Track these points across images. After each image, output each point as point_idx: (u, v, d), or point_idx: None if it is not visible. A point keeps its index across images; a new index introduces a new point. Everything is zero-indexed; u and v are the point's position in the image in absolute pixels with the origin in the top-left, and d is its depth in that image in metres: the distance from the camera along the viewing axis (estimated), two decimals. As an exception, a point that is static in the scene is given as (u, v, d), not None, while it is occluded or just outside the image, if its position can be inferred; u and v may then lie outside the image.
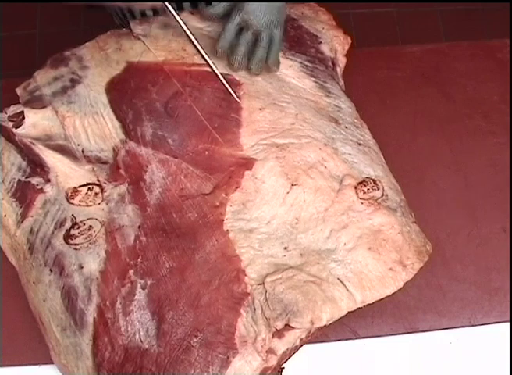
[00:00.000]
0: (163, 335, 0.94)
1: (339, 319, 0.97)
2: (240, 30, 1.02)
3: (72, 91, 1.10)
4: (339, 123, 1.12)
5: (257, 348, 0.93)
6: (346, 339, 1.08)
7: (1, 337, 1.08)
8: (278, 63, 1.05)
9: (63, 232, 1.03)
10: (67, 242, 1.02)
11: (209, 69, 1.09)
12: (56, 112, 1.08)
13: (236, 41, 1.03)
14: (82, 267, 1.00)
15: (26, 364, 1.07)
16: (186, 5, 1.31)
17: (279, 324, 0.93)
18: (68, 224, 1.03)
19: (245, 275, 0.97)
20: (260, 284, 0.96)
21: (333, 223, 1.03)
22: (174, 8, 0.93)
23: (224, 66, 1.11)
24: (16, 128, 1.08)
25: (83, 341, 0.97)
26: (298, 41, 1.19)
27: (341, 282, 0.97)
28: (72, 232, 1.03)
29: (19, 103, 1.11)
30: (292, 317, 0.93)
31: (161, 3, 0.94)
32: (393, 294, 1.00)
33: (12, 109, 1.10)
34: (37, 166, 1.08)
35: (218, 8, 1.02)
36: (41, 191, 1.07)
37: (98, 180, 1.07)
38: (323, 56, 1.20)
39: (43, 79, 1.12)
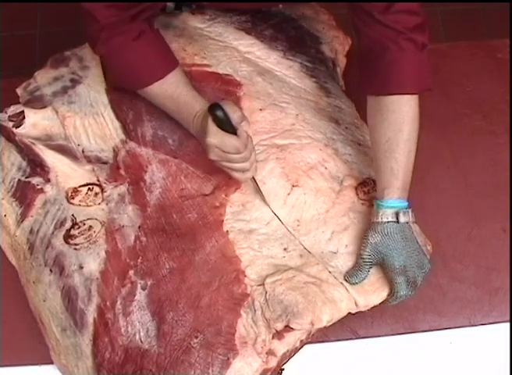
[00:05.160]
0: (163, 336, 0.94)
1: (339, 320, 0.97)
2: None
3: (72, 91, 1.10)
4: (340, 123, 1.12)
5: (258, 349, 0.93)
6: (346, 339, 1.08)
7: (1, 337, 1.08)
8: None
9: (63, 232, 1.03)
10: (67, 242, 1.02)
11: (209, 70, 1.09)
12: (56, 112, 1.08)
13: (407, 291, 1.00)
14: (82, 267, 1.00)
15: (26, 364, 1.07)
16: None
17: (279, 325, 0.93)
18: (68, 224, 1.03)
19: (245, 276, 0.97)
20: (260, 285, 0.96)
21: (334, 224, 1.03)
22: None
23: (224, 66, 1.12)
24: (17, 128, 1.08)
25: (83, 342, 0.97)
26: (298, 42, 1.19)
27: (343, 285, 0.97)
28: (73, 232, 1.03)
29: (19, 103, 1.11)
30: (292, 318, 0.93)
31: None
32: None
33: (13, 109, 1.10)
34: (37, 166, 1.08)
35: (356, 280, 0.98)
36: (41, 190, 1.07)
37: (98, 180, 1.07)
38: (323, 56, 1.20)
39: (43, 79, 1.12)
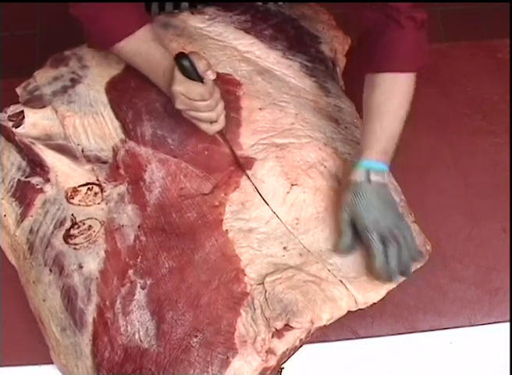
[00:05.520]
0: (163, 335, 0.94)
1: (338, 319, 0.97)
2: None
3: (72, 91, 1.10)
4: (339, 122, 1.12)
5: (257, 348, 0.92)
6: (346, 339, 1.08)
7: (1, 337, 1.08)
8: (420, 253, 1.02)
9: (63, 232, 1.03)
10: (67, 242, 1.02)
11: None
12: (56, 111, 1.08)
13: (386, 258, 0.99)
14: (81, 267, 0.99)
15: (26, 364, 1.07)
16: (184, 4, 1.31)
17: (279, 324, 0.93)
18: (68, 224, 1.03)
19: (244, 275, 0.97)
20: (259, 284, 0.96)
21: (333, 223, 1.03)
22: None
23: (224, 65, 1.12)
24: (16, 128, 1.08)
25: (82, 341, 0.96)
26: (298, 41, 1.19)
27: (342, 283, 0.97)
28: (72, 232, 1.03)
29: (19, 103, 1.11)
30: (292, 317, 0.93)
31: None
32: (393, 294, 1.01)
33: (12, 109, 1.10)
34: (36, 166, 1.08)
35: (345, 245, 1.00)
36: (41, 190, 1.07)
37: (98, 180, 1.07)
38: (323, 56, 1.21)
39: (43, 78, 1.12)
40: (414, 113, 1.27)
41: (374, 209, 0.97)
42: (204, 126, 0.99)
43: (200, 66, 0.95)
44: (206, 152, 1.05)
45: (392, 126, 1.02)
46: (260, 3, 1.23)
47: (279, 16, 1.21)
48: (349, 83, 1.22)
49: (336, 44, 1.22)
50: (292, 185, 1.04)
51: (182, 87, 0.94)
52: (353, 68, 1.09)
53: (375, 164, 1.00)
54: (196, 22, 1.17)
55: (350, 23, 1.15)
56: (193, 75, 0.94)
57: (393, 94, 1.01)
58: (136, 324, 0.95)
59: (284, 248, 1.00)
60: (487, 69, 1.34)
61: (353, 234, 0.99)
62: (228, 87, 1.09)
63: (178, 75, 0.95)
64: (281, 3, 1.29)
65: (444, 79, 1.32)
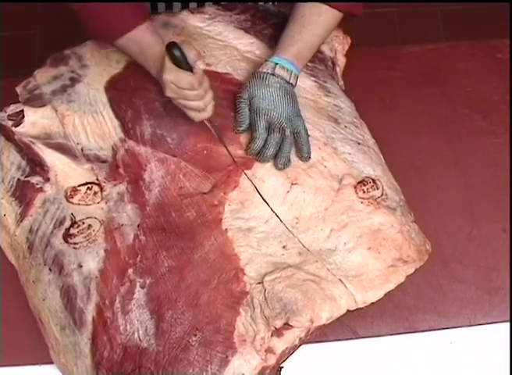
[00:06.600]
0: (162, 334, 0.94)
1: (338, 319, 0.97)
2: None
3: (71, 90, 1.10)
4: (339, 122, 1.12)
5: (256, 347, 0.92)
6: (346, 339, 1.08)
7: (1, 337, 1.08)
8: (310, 152, 1.06)
9: (62, 231, 1.03)
10: (66, 241, 1.02)
11: (209, 68, 1.09)
12: (56, 110, 1.08)
13: (265, 143, 1.05)
14: (81, 266, 0.99)
15: (26, 364, 1.07)
16: (177, 4, 1.31)
17: (278, 323, 0.93)
18: (67, 223, 1.03)
19: (244, 274, 0.97)
20: (259, 283, 0.96)
21: (333, 222, 1.03)
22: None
23: (223, 64, 1.12)
24: (16, 127, 1.08)
25: (82, 340, 0.96)
26: (298, 41, 1.19)
27: (341, 282, 0.97)
28: (72, 231, 1.02)
29: (19, 102, 1.11)
30: (291, 316, 0.93)
31: None
32: (393, 293, 1.00)
33: (12, 108, 1.10)
34: (36, 165, 1.08)
35: (242, 125, 1.06)
36: (41, 190, 1.07)
37: (97, 179, 1.07)
38: (323, 56, 1.21)
39: (43, 77, 1.12)
40: (414, 113, 1.28)
41: (271, 97, 1.04)
42: (192, 114, 1.01)
43: (191, 55, 0.96)
44: (205, 152, 1.05)
45: (310, 39, 1.08)
46: (261, 3, 1.24)
47: (278, 16, 1.21)
48: (349, 83, 1.22)
49: (335, 44, 1.22)
50: (292, 184, 1.04)
51: (172, 76, 0.96)
52: (354, 73, 1.10)
53: (284, 61, 1.05)
54: (196, 21, 1.17)
55: (350, 23, 1.16)
56: (184, 64, 0.95)
57: (319, 15, 1.07)
58: (136, 323, 0.95)
59: (283, 247, 1.00)
60: (487, 69, 1.34)
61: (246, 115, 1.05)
62: (228, 87, 1.09)
63: (168, 64, 0.96)
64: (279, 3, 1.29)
65: (444, 79, 1.32)
